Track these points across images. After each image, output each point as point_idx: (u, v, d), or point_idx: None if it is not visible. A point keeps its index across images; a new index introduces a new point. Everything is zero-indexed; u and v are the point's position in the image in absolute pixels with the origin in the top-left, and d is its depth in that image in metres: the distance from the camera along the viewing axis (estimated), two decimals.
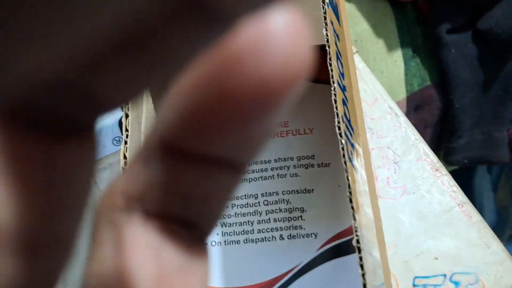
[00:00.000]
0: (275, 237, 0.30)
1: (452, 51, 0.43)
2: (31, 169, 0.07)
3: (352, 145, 0.23)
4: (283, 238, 0.29)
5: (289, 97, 0.08)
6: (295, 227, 0.30)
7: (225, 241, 0.30)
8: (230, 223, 0.30)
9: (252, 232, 0.30)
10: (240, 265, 0.30)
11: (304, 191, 0.30)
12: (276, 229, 0.30)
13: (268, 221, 0.30)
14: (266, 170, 0.31)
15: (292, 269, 0.29)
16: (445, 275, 0.28)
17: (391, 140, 0.31)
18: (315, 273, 0.29)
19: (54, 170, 0.08)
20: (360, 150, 0.25)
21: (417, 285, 0.28)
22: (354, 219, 0.20)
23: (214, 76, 0.08)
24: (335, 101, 0.22)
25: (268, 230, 0.30)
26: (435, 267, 0.28)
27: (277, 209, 0.30)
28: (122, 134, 0.36)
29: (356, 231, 0.20)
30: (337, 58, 0.24)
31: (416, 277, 0.28)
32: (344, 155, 0.21)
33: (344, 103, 0.24)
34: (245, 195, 0.31)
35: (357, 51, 0.34)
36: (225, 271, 0.30)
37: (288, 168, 0.31)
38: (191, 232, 0.10)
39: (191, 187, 0.09)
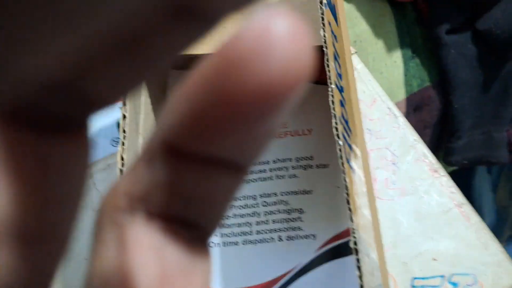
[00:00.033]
0: (274, 238, 0.30)
1: (451, 51, 0.43)
2: (26, 165, 0.08)
3: (350, 146, 0.23)
4: (282, 239, 0.29)
5: (290, 99, 0.08)
6: (294, 228, 0.30)
7: (223, 243, 0.30)
8: (229, 225, 0.30)
9: (250, 233, 0.30)
10: (239, 267, 0.30)
11: (303, 192, 0.30)
12: (275, 230, 0.30)
13: (266, 222, 0.30)
14: (264, 171, 0.31)
15: (291, 270, 0.29)
16: (443, 276, 0.28)
17: (390, 141, 0.31)
18: (314, 274, 0.29)
19: (48, 166, 0.08)
20: (358, 151, 0.25)
21: (415, 286, 0.28)
22: (352, 220, 0.20)
23: (217, 78, 0.08)
24: (333, 102, 0.22)
25: (266, 231, 0.30)
26: (433, 268, 0.28)
27: (275, 210, 0.30)
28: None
29: (353, 232, 0.20)
30: (335, 59, 0.24)
31: (414, 278, 0.28)
32: (341, 157, 0.21)
33: (341, 104, 0.24)
34: (243, 196, 0.31)
35: (355, 52, 0.34)
36: (224, 272, 0.30)
37: (287, 169, 0.31)
38: (193, 233, 0.10)
39: (194, 188, 0.09)
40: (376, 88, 0.33)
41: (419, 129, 0.45)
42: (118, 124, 0.37)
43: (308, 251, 0.29)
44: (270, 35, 0.07)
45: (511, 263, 0.28)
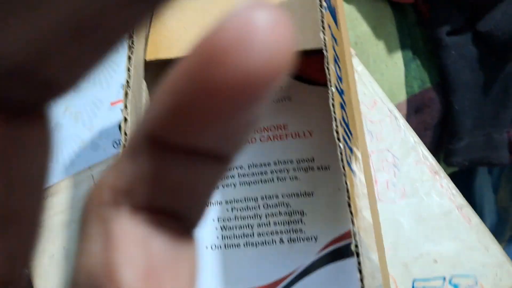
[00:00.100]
0: (275, 241, 0.30)
1: (452, 53, 0.43)
2: None
3: (351, 149, 0.23)
4: (283, 242, 0.30)
5: (271, 90, 0.08)
6: (295, 231, 0.30)
7: (225, 245, 0.30)
8: (230, 227, 0.30)
9: (252, 235, 0.30)
10: (240, 269, 0.30)
11: (304, 194, 0.30)
12: (276, 232, 0.30)
13: (268, 224, 0.30)
14: (265, 173, 0.31)
15: (292, 273, 0.29)
16: (444, 278, 0.28)
17: (391, 143, 0.31)
18: (315, 277, 0.29)
19: (8, 150, 0.08)
20: (359, 154, 0.25)
21: None
22: (353, 224, 0.20)
23: (200, 69, 0.08)
24: (333, 105, 0.22)
25: (268, 233, 0.30)
26: (434, 270, 0.28)
27: (276, 213, 0.30)
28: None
29: (354, 236, 0.20)
30: (335, 61, 0.24)
31: (415, 280, 0.28)
32: (342, 160, 0.21)
33: (342, 107, 0.24)
34: (244, 198, 0.31)
35: (355, 54, 0.34)
36: (225, 274, 0.30)
37: (288, 171, 0.31)
38: (179, 224, 0.10)
39: (178, 180, 0.09)
40: (376, 90, 0.33)
41: (420, 130, 0.45)
42: (119, 126, 0.37)
43: (309, 253, 0.29)
44: (251, 26, 0.07)
45: (511, 264, 0.28)
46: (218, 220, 0.31)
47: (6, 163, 0.08)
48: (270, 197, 0.31)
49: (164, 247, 0.10)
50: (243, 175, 0.31)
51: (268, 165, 0.31)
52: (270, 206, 0.30)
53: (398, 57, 0.45)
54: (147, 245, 0.09)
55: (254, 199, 0.31)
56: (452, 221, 0.29)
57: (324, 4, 0.24)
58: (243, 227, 0.30)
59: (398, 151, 0.31)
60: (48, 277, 0.32)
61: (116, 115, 0.36)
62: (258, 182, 0.31)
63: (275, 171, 0.31)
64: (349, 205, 0.21)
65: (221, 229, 0.30)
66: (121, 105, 0.37)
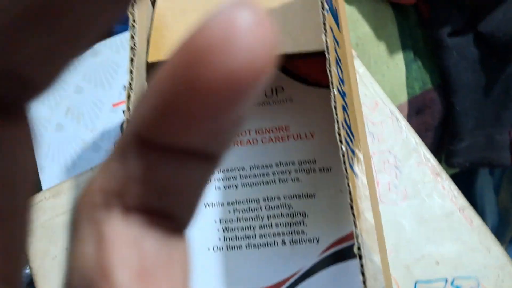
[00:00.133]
0: (277, 242, 0.30)
1: (453, 54, 0.43)
2: None
3: (353, 151, 0.24)
4: (285, 243, 0.30)
5: (255, 89, 0.08)
6: (297, 232, 0.30)
7: (227, 246, 0.30)
8: (232, 228, 0.30)
9: (254, 237, 0.30)
10: (242, 270, 0.30)
11: (306, 196, 0.30)
12: (278, 234, 0.30)
13: (270, 226, 0.30)
14: (267, 174, 0.31)
15: (294, 274, 0.29)
16: (446, 280, 0.28)
17: (392, 145, 0.31)
18: (317, 278, 0.29)
19: None
20: (361, 156, 0.25)
21: None
22: (355, 226, 0.20)
23: (184, 68, 0.08)
24: (335, 108, 0.22)
25: (270, 235, 0.30)
26: (436, 272, 0.28)
27: (278, 214, 0.30)
28: None
29: (357, 238, 0.20)
30: (337, 64, 0.24)
31: (417, 282, 0.28)
32: (344, 162, 0.21)
33: (344, 109, 0.24)
34: (246, 200, 0.31)
35: (357, 56, 0.34)
36: (227, 276, 0.30)
37: (290, 172, 0.31)
38: (170, 224, 0.10)
39: (168, 180, 0.09)
40: (378, 91, 0.33)
41: (421, 131, 0.45)
42: (121, 128, 0.37)
43: (311, 255, 0.29)
44: (234, 26, 0.08)
45: None
46: (220, 222, 0.31)
47: None
48: (272, 198, 0.31)
49: (157, 247, 0.10)
50: (245, 177, 0.31)
51: (270, 166, 0.31)
52: (272, 207, 0.30)
53: (399, 58, 0.45)
54: (140, 246, 0.09)
55: (256, 201, 0.31)
56: (454, 222, 0.29)
57: (326, 6, 0.24)
58: (245, 228, 0.30)
59: (400, 152, 0.31)
60: (50, 278, 0.32)
61: (118, 117, 0.37)
62: (260, 184, 0.31)
63: (277, 173, 0.31)
64: (352, 208, 0.21)
65: (223, 230, 0.30)
66: (123, 107, 0.37)
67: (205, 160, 0.09)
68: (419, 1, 0.45)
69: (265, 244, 0.30)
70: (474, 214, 0.29)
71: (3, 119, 0.08)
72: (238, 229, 0.30)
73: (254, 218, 0.30)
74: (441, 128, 0.46)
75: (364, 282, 0.19)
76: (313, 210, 0.30)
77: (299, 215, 0.30)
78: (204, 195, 0.10)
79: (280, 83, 0.34)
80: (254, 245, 0.30)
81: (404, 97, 0.45)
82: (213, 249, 0.30)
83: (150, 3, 0.30)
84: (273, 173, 0.31)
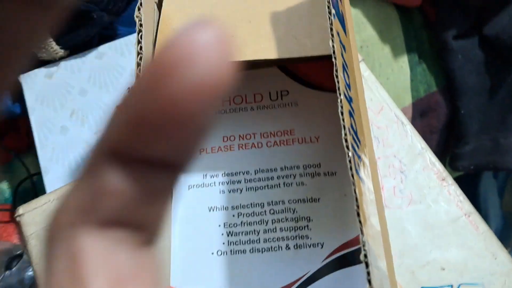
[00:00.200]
0: (281, 247, 0.30)
1: (458, 57, 0.43)
2: None
3: (359, 157, 0.23)
4: (289, 248, 0.29)
5: (214, 102, 0.09)
6: (302, 237, 0.29)
7: (231, 251, 0.30)
8: (236, 232, 0.30)
9: (258, 241, 0.30)
10: (246, 275, 0.30)
11: (311, 200, 0.30)
12: (282, 238, 0.30)
13: (274, 230, 0.30)
14: (272, 178, 0.31)
15: (299, 279, 0.29)
16: (452, 286, 0.28)
17: (398, 149, 0.31)
18: (321, 284, 0.28)
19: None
20: (367, 161, 0.25)
21: None
22: (362, 233, 0.20)
23: (153, 82, 0.09)
24: (342, 113, 0.22)
25: (274, 239, 0.30)
26: (441, 278, 0.28)
27: (283, 218, 0.30)
28: None
29: (363, 245, 0.20)
30: (343, 69, 0.24)
31: None
32: (351, 168, 0.21)
33: (350, 115, 0.24)
34: (251, 204, 0.31)
35: (362, 59, 0.34)
36: (230, 280, 0.30)
37: (294, 176, 0.31)
38: (141, 236, 0.10)
39: (137, 191, 0.10)
40: (383, 96, 0.33)
41: (426, 134, 0.45)
42: None
43: (316, 259, 0.29)
44: (196, 43, 0.09)
45: None
46: (224, 226, 0.30)
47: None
48: (277, 202, 0.30)
49: (129, 258, 0.10)
50: (249, 181, 0.31)
51: (274, 170, 0.31)
52: (276, 212, 0.30)
53: (404, 61, 0.45)
54: (113, 257, 0.10)
55: (260, 205, 0.31)
56: (460, 228, 0.29)
57: (333, 10, 0.23)
58: (249, 233, 0.30)
59: (405, 157, 0.31)
60: None
61: None
62: (265, 188, 0.31)
63: (282, 177, 0.31)
64: (358, 214, 0.20)
65: (227, 235, 0.30)
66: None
67: (172, 171, 0.10)
68: (424, 4, 0.45)
69: (269, 249, 0.30)
70: (480, 219, 0.29)
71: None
72: (242, 234, 0.30)
73: (258, 222, 0.30)
74: (446, 130, 0.46)
75: None
76: (318, 214, 0.30)
77: (303, 219, 0.30)
78: (170, 207, 0.11)
79: (285, 87, 0.34)
80: (258, 250, 0.30)
81: (408, 100, 0.45)
82: (217, 253, 0.30)
83: (156, 6, 0.30)
84: (278, 177, 0.31)
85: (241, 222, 0.30)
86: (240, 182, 0.31)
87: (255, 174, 0.31)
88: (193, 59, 0.09)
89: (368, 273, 0.19)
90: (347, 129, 0.22)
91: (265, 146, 0.32)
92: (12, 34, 0.08)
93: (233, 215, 0.31)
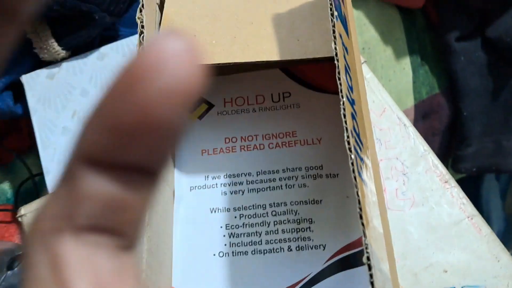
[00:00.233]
0: (283, 249, 0.29)
1: (461, 58, 0.43)
2: None
3: (361, 159, 0.23)
4: (291, 250, 0.29)
5: (183, 109, 0.09)
6: (303, 239, 0.29)
7: (232, 252, 0.30)
8: (238, 234, 0.30)
9: (260, 243, 0.30)
10: (248, 276, 0.29)
11: (313, 202, 0.30)
12: (284, 240, 0.30)
13: (276, 232, 0.30)
14: (274, 180, 0.31)
15: (300, 281, 0.29)
16: None
17: (400, 151, 0.31)
18: (323, 285, 0.28)
19: None
20: (369, 163, 0.25)
21: None
22: (365, 235, 0.20)
23: (124, 91, 0.09)
24: (344, 115, 0.22)
25: (276, 241, 0.30)
26: (444, 280, 0.28)
27: (285, 220, 0.30)
28: None
29: (366, 248, 0.20)
30: (346, 71, 0.24)
31: None
32: (353, 170, 0.21)
33: (353, 117, 0.23)
34: (253, 206, 0.31)
35: (365, 61, 0.34)
36: (232, 282, 0.30)
37: (297, 178, 0.31)
38: (119, 242, 0.11)
39: (112, 197, 0.10)
40: (385, 98, 0.33)
41: (428, 136, 0.45)
42: None
43: (318, 261, 0.29)
44: (165, 52, 0.09)
45: None
46: (226, 227, 0.30)
47: None
48: (279, 204, 0.30)
49: (109, 263, 0.10)
50: (252, 182, 0.31)
51: (276, 172, 0.31)
52: (278, 213, 0.30)
53: (406, 63, 0.45)
54: (94, 262, 0.10)
55: (263, 207, 0.31)
56: (462, 230, 0.29)
57: (336, 13, 0.23)
58: (251, 234, 0.30)
59: (408, 159, 0.31)
60: None
61: None
62: (267, 189, 0.31)
63: (284, 178, 0.31)
64: (361, 216, 0.20)
65: (229, 236, 0.30)
66: None
67: (145, 177, 0.10)
68: (427, 5, 0.45)
69: (271, 250, 0.30)
70: (483, 222, 0.29)
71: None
72: (244, 235, 0.30)
73: (260, 224, 0.30)
74: (448, 133, 0.46)
75: None
76: (320, 216, 0.30)
77: (305, 221, 0.30)
78: (146, 213, 0.11)
79: (287, 89, 0.33)
80: (260, 251, 0.30)
81: (410, 102, 0.45)
82: (219, 254, 0.30)
83: (157, 7, 0.30)
84: (280, 179, 0.31)
85: (243, 224, 0.30)
86: (242, 184, 0.31)
87: (257, 175, 0.31)
88: (162, 67, 0.09)
89: (371, 276, 0.19)
90: (349, 131, 0.22)
91: (267, 148, 0.32)
92: None
93: (235, 217, 0.31)
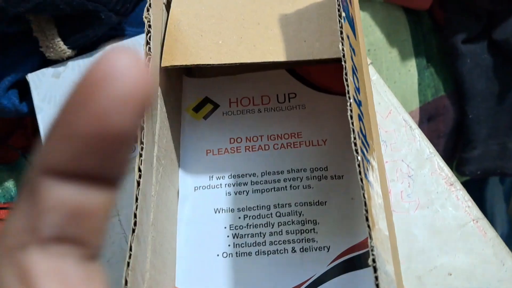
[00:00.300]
0: (287, 250, 0.29)
1: (467, 61, 0.43)
2: None
3: (368, 161, 0.23)
4: (295, 251, 0.29)
5: (135, 117, 0.10)
6: (308, 240, 0.29)
7: (236, 253, 0.30)
8: (242, 235, 0.30)
9: (264, 244, 0.30)
10: (251, 277, 0.29)
11: (317, 203, 0.30)
12: (288, 241, 0.30)
13: (280, 233, 0.30)
14: (278, 181, 0.31)
15: (304, 282, 0.29)
16: None
17: (405, 153, 0.31)
18: (327, 287, 0.28)
19: None
20: (375, 165, 0.25)
21: None
22: (371, 237, 0.20)
23: (77, 102, 0.10)
24: (351, 117, 0.22)
25: (280, 242, 0.30)
26: (448, 283, 0.28)
27: (289, 221, 0.30)
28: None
29: (372, 250, 0.19)
30: (353, 72, 0.24)
31: None
32: (360, 172, 0.21)
33: (360, 118, 0.23)
34: (257, 206, 0.31)
35: (371, 63, 0.34)
36: (235, 282, 0.29)
37: (301, 179, 0.31)
38: (84, 251, 0.11)
39: (74, 206, 0.11)
40: (391, 100, 0.33)
41: (433, 138, 0.45)
42: None
43: (322, 263, 0.29)
44: (114, 68, 0.10)
45: None
46: (230, 228, 0.30)
47: None
48: (283, 205, 0.30)
49: (77, 270, 0.11)
50: (256, 183, 0.31)
51: (281, 173, 0.31)
52: (282, 214, 0.30)
53: (411, 65, 0.45)
54: (62, 271, 0.11)
55: (267, 207, 0.31)
56: (468, 233, 0.29)
57: (343, 14, 0.23)
58: (255, 235, 0.30)
59: (413, 161, 0.31)
60: None
61: None
62: (271, 190, 0.31)
63: (288, 179, 0.31)
64: (367, 218, 0.20)
65: (233, 237, 0.30)
66: None
67: (105, 185, 0.11)
68: (433, 7, 0.45)
69: (275, 251, 0.30)
70: (489, 225, 0.29)
71: None
72: (248, 236, 0.30)
73: (264, 225, 0.30)
74: (454, 135, 0.45)
75: None
76: (324, 218, 0.30)
77: (310, 222, 0.30)
78: (108, 222, 0.12)
79: (293, 90, 0.33)
80: (264, 252, 0.30)
81: (415, 104, 0.45)
82: (222, 255, 0.30)
83: (164, 7, 0.30)
84: (285, 180, 0.31)
85: (247, 224, 0.30)
86: (246, 184, 0.31)
87: (262, 176, 0.31)
88: (113, 78, 0.10)
89: (376, 278, 0.19)
90: (356, 133, 0.22)
91: (272, 149, 0.32)
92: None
93: (239, 217, 0.31)
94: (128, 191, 0.34)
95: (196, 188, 0.32)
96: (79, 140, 0.10)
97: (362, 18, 0.44)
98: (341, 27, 0.23)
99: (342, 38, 0.23)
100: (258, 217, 0.30)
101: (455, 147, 0.46)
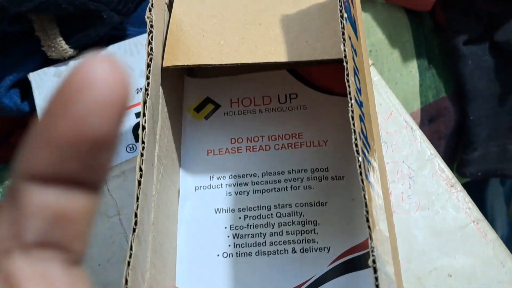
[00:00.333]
0: (287, 250, 0.29)
1: (468, 62, 0.43)
2: None
3: (369, 162, 0.23)
4: (295, 251, 0.29)
5: (114, 121, 0.10)
6: (308, 241, 0.29)
7: (236, 253, 0.30)
8: (242, 235, 0.30)
9: (264, 244, 0.30)
10: (251, 277, 0.29)
11: (318, 204, 0.30)
12: (289, 242, 0.30)
13: (280, 233, 0.30)
14: (279, 181, 0.31)
15: (304, 283, 0.29)
16: None
17: (406, 155, 0.31)
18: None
19: None
20: (376, 166, 0.25)
21: None
22: (371, 238, 0.20)
23: (58, 110, 0.10)
24: (352, 118, 0.22)
25: (280, 242, 0.30)
26: (448, 285, 0.28)
27: (290, 222, 0.30)
28: (135, 141, 0.36)
29: (372, 251, 0.20)
30: (355, 73, 0.24)
31: None
32: (361, 173, 0.21)
33: (361, 119, 0.23)
34: (257, 207, 0.31)
35: (372, 64, 0.34)
36: (235, 282, 0.30)
37: (302, 180, 0.31)
38: (68, 256, 0.11)
39: (57, 211, 0.11)
40: (393, 101, 0.33)
41: (434, 140, 0.45)
42: (133, 131, 0.37)
43: (322, 264, 0.29)
44: (91, 76, 0.10)
45: None
46: (230, 228, 0.30)
47: None
48: (283, 206, 0.30)
49: (61, 275, 0.11)
50: (257, 183, 0.31)
51: (282, 173, 0.31)
52: (283, 215, 0.30)
53: (413, 66, 0.45)
54: (47, 275, 0.11)
55: (267, 208, 0.31)
56: (468, 235, 0.29)
57: (345, 14, 0.23)
58: (255, 235, 0.30)
59: (414, 163, 0.31)
60: None
61: (130, 119, 0.37)
62: (272, 191, 0.31)
63: (289, 180, 0.31)
64: (367, 219, 0.20)
65: (233, 237, 0.30)
66: (135, 110, 0.37)
67: (87, 190, 0.11)
68: (435, 8, 0.45)
69: (275, 252, 0.30)
70: (489, 227, 0.29)
71: None
72: (248, 236, 0.30)
73: (264, 225, 0.30)
74: (455, 137, 0.46)
75: None
76: (325, 218, 0.30)
77: (310, 223, 0.30)
78: (91, 227, 0.12)
79: (294, 90, 0.33)
80: (264, 253, 0.30)
81: (417, 105, 0.45)
82: (223, 255, 0.30)
83: (166, 7, 0.30)
84: (285, 180, 0.31)
85: (248, 225, 0.30)
86: (247, 185, 0.31)
87: (263, 176, 0.31)
88: (91, 84, 0.10)
89: (376, 279, 0.19)
90: (357, 134, 0.22)
91: (273, 149, 0.32)
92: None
93: (240, 218, 0.31)
94: (129, 190, 0.34)
95: (196, 188, 0.32)
96: (58, 145, 0.10)
97: (364, 19, 0.44)
98: (343, 28, 0.23)
99: (344, 39, 0.23)
100: (259, 217, 0.30)
101: (456, 149, 0.46)
